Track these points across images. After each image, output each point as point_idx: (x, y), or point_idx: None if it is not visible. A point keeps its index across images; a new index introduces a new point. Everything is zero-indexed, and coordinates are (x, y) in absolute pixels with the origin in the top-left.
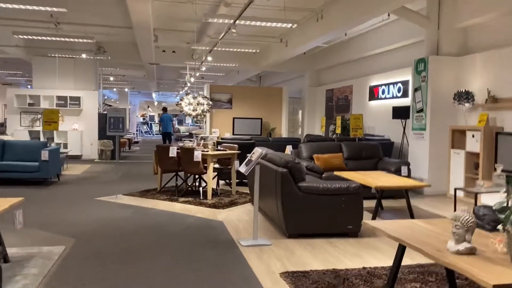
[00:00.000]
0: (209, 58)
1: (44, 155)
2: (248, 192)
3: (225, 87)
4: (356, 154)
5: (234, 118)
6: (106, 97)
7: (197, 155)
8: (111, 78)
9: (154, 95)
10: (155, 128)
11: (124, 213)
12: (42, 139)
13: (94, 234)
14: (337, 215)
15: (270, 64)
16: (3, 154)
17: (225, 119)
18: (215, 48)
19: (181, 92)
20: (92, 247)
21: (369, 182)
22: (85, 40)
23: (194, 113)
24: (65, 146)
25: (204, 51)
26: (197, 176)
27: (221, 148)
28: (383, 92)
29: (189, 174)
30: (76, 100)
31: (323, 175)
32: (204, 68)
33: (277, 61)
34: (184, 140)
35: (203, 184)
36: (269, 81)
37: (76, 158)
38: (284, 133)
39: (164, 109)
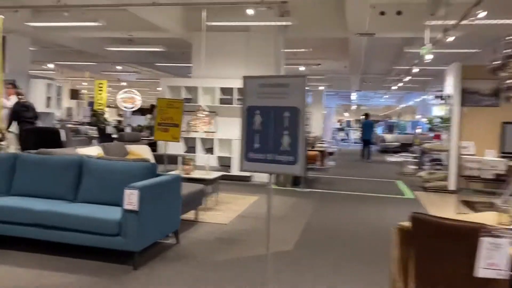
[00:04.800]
0: None
1: (130, 199)
2: None
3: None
4: None
5: (504, 124)
6: None
7: None
8: (302, 68)
9: (353, 96)
10: (353, 135)
11: None
12: (200, 150)
13: None
14: None
15: None
16: (78, 185)
17: (484, 124)
18: None
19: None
20: None
21: None
22: None
23: None
24: (227, 161)
25: None
26: None
27: None
28: None
29: None
30: None
31: None
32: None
33: None
34: (394, 155)
35: None
36: None
37: (243, 181)
38: None
39: (366, 115)
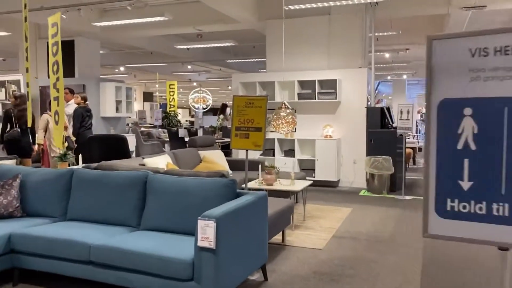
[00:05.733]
0: None
1: (205, 233)
2: None
3: None
4: None
5: None
6: (376, 91)
7: None
8: (387, 55)
9: None
10: None
11: None
12: (278, 152)
13: None
14: None
15: None
16: (143, 207)
17: None
18: None
19: None
20: None
21: None
22: None
23: None
24: (309, 165)
25: None
26: None
27: None
28: None
29: None
30: (330, 87)
31: None
32: None
33: None
34: None
35: None
36: None
37: (329, 187)
38: None
39: None
